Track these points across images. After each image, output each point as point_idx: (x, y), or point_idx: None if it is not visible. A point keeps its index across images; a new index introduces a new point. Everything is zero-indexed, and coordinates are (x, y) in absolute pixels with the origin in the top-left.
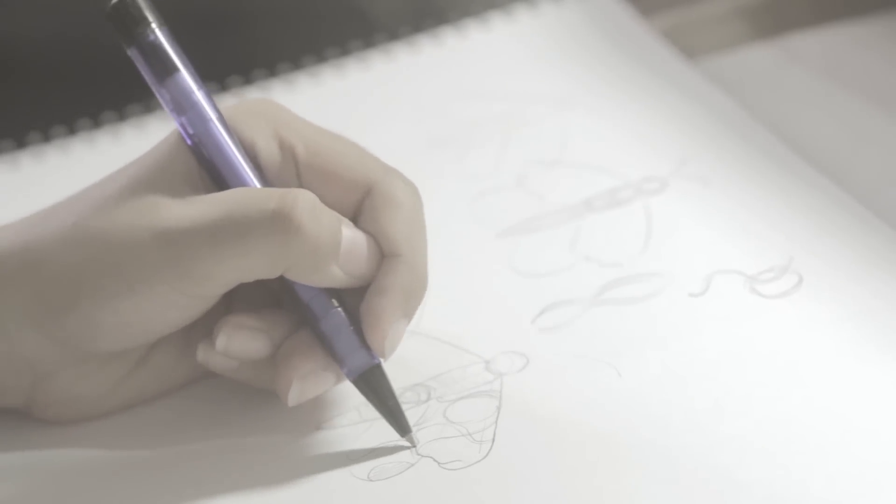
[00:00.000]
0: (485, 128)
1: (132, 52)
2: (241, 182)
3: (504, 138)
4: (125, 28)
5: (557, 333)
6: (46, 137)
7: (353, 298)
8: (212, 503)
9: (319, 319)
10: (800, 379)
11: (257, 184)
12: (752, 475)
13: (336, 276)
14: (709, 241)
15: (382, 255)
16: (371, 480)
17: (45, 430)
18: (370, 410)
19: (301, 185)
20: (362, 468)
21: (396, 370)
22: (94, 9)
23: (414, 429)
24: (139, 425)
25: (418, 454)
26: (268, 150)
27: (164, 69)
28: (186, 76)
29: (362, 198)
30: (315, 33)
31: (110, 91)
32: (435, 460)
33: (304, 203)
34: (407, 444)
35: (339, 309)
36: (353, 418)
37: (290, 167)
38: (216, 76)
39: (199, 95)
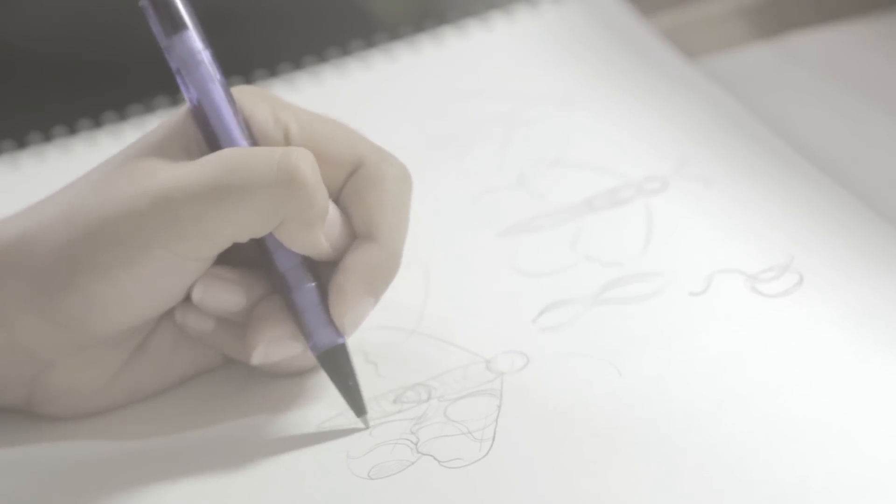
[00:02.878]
0: (485, 127)
1: (144, 4)
2: (237, 144)
3: (505, 138)
4: None
5: (558, 333)
6: (47, 137)
7: (326, 276)
8: (211, 502)
9: (292, 291)
10: (801, 377)
11: (243, 138)
12: (754, 473)
13: (319, 241)
14: (710, 240)
15: (356, 234)
16: (371, 479)
17: (45, 426)
18: (370, 410)
19: None
20: (362, 466)
21: (397, 369)
22: (95, 9)
23: (413, 427)
24: (137, 423)
25: (419, 452)
26: (264, 124)
27: (174, 25)
28: (195, 35)
29: (347, 177)
30: (316, 33)
31: (111, 91)
32: (435, 459)
33: (306, 158)
34: (361, 425)
35: (314, 284)
36: (354, 417)
37: (282, 143)
38: None
39: (204, 56)
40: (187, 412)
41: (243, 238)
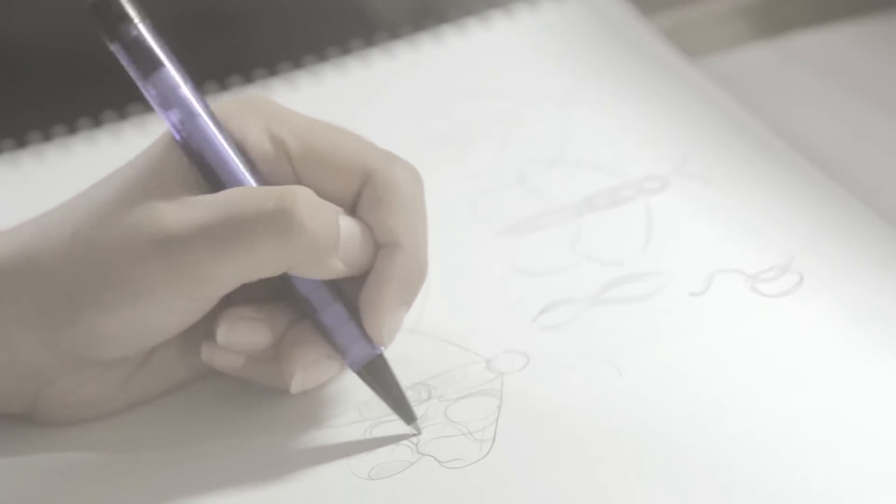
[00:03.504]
0: (485, 126)
1: (115, 48)
2: (233, 178)
3: (505, 137)
4: (107, 24)
5: (558, 332)
6: (47, 137)
7: (352, 288)
8: (213, 502)
9: (319, 312)
10: (801, 377)
11: (251, 179)
12: (754, 473)
13: (336, 268)
14: (710, 240)
15: (380, 244)
16: (372, 479)
17: (48, 432)
18: (371, 409)
19: (296, 179)
20: (363, 467)
21: (397, 369)
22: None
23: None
24: (139, 426)
25: (419, 453)
26: (259, 145)
27: (150, 65)
28: (172, 71)
29: (360, 186)
30: (316, 32)
31: (111, 90)
32: (436, 459)
33: (303, 199)
34: (413, 431)
35: (339, 301)
36: (354, 417)
37: (283, 162)
38: (217, 75)
39: (185, 90)
40: (188, 415)
41: (253, 279)
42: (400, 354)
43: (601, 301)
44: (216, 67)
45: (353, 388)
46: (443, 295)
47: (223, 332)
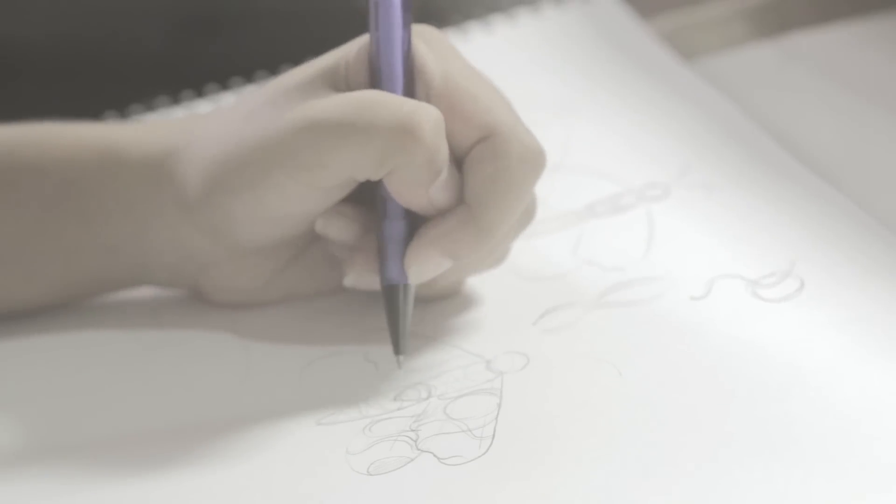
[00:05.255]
0: None
1: None
2: (391, 71)
3: None
4: None
5: (559, 334)
6: None
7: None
8: (211, 498)
9: (384, 219)
10: (801, 382)
11: (400, 83)
12: (753, 477)
13: (423, 200)
14: (711, 245)
15: (465, 199)
16: (371, 475)
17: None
18: (370, 407)
19: None
20: (362, 463)
21: (397, 370)
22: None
23: (413, 424)
24: (134, 416)
25: (418, 449)
26: (424, 65)
27: None
28: None
29: (477, 141)
30: (317, 33)
31: (112, 91)
32: (435, 455)
33: (433, 119)
34: (395, 366)
35: (405, 220)
36: (353, 415)
37: (422, 91)
38: (218, 77)
39: (398, 1)
40: (187, 407)
41: (359, 177)
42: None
43: (602, 305)
44: (217, 68)
45: (353, 385)
46: (444, 300)
47: (319, 222)
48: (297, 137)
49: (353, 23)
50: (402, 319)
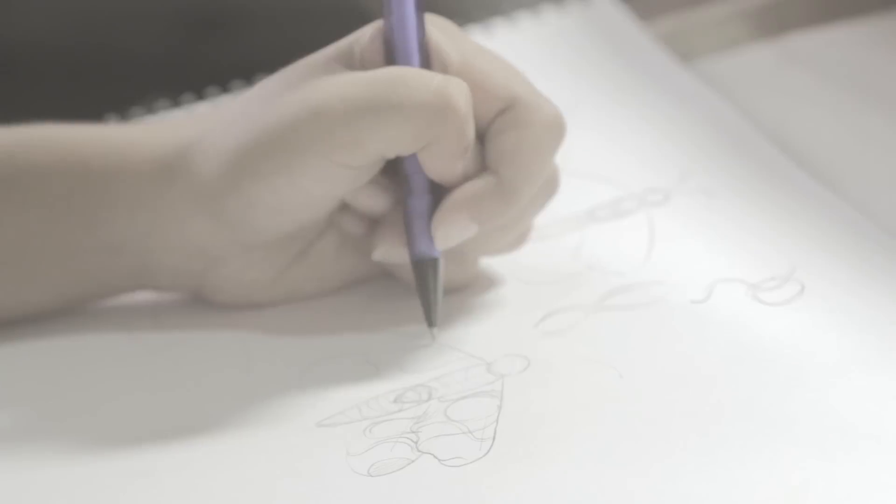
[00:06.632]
0: None
1: None
2: (408, 52)
3: None
4: None
5: (560, 337)
6: None
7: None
8: (212, 499)
9: (410, 195)
10: (801, 385)
11: (417, 63)
12: (753, 480)
13: (456, 172)
14: (711, 250)
15: (488, 165)
16: (371, 476)
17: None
18: (371, 408)
19: None
20: (363, 464)
21: (397, 373)
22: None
23: (414, 425)
24: (138, 418)
25: (419, 450)
26: (438, 46)
27: None
28: None
29: (498, 113)
30: (319, 34)
31: (112, 93)
32: (435, 457)
33: (464, 91)
34: (429, 339)
35: (430, 196)
36: (354, 416)
37: (440, 71)
38: (218, 78)
39: None
40: (187, 410)
41: (392, 153)
42: (401, 357)
43: (603, 308)
44: (217, 69)
45: (354, 387)
46: (445, 301)
47: (355, 196)
48: (331, 117)
49: (355, 25)
50: (433, 293)
